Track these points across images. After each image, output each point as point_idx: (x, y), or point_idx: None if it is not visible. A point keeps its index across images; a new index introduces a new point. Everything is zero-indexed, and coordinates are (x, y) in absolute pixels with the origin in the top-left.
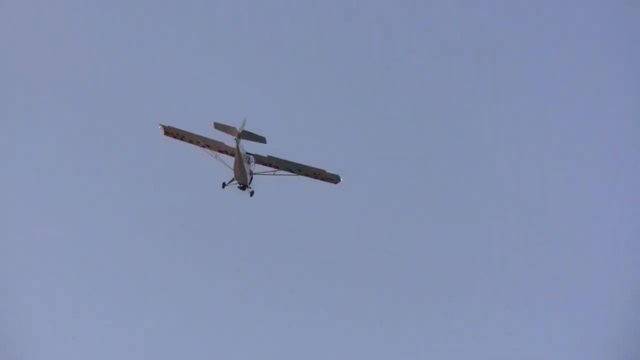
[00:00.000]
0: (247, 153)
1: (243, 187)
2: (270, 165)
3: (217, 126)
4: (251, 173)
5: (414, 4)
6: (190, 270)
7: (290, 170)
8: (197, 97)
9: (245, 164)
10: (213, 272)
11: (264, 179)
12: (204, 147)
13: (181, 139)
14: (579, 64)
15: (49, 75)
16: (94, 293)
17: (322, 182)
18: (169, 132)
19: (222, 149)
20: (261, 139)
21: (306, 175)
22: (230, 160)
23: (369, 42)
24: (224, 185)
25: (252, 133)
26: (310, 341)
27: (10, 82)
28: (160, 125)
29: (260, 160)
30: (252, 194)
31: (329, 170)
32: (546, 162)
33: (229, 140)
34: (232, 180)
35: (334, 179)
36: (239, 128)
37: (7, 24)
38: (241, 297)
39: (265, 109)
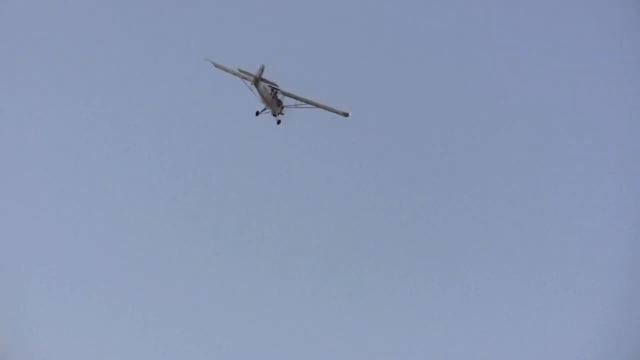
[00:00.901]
0: (273, 88)
1: (274, 114)
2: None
3: (241, 70)
4: (280, 104)
5: None
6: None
7: (308, 103)
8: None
9: (270, 97)
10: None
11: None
12: (243, 78)
13: (226, 71)
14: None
15: None
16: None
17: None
18: (217, 65)
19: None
20: (274, 84)
21: (323, 108)
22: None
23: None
24: (257, 113)
25: (266, 79)
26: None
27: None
28: (210, 60)
29: (284, 93)
30: (278, 122)
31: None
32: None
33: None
34: (264, 109)
35: (344, 114)
36: (256, 73)
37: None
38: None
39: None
